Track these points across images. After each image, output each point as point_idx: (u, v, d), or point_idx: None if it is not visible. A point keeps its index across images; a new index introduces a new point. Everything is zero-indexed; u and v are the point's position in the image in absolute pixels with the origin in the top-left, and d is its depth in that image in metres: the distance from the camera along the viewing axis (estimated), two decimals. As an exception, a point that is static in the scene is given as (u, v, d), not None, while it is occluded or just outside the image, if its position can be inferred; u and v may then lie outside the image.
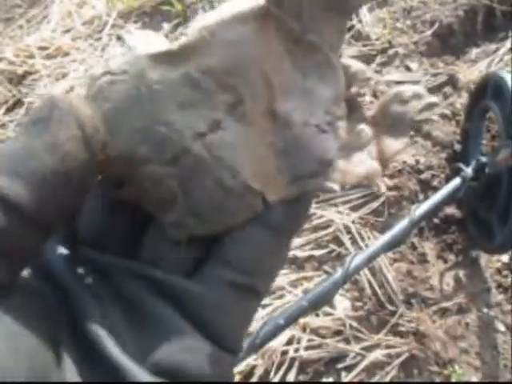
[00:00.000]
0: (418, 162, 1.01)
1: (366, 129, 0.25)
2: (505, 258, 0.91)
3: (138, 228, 0.23)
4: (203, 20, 0.22)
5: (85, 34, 1.44)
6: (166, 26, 1.36)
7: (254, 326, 0.68)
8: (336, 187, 0.23)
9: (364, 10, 1.32)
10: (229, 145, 0.22)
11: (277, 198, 0.22)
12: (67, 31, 1.47)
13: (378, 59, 1.22)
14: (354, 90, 0.25)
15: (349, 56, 1.24)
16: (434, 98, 0.26)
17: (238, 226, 0.22)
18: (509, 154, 0.81)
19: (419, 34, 1.28)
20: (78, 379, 0.18)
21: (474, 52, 1.29)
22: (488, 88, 0.93)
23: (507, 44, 1.28)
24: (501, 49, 1.27)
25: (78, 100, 0.20)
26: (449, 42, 1.30)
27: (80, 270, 0.21)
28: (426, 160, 1.01)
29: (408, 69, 1.21)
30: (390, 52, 1.23)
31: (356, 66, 0.25)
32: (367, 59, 1.21)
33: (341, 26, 0.24)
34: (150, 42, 0.23)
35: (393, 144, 0.25)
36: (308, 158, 0.23)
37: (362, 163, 0.24)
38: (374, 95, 1.12)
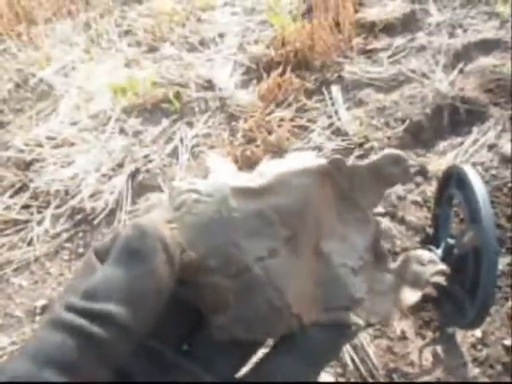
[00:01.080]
0: (394, 244, 1.10)
1: (389, 278, 0.29)
2: (478, 332, 0.97)
3: (187, 326, 0.26)
4: (275, 166, 0.27)
5: (90, 126, 1.57)
6: (165, 121, 1.51)
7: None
8: (361, 322, 0.27)
9: (342, 109, 1.49)
10: (281, 270, 0.25)
11: (310, 322, 0.26)
12: (74, 123, 1.61)
13: (356, 152, 1.35)
14: (381, 243, 0.30)
15: (331, 150, 1.38)
16: (444, 266, 0.30)
17: (274, 337, 0.26)
18: (472, 236, 0.90)
19: (392, 130, 1.43)
20: None
21: (442, 145, 1.44)
22: (452, 179, 1.05)
23: (471, 137, 1.43)
24: (465, 142, 1.42)
25: (160, 223, 0.24)
26: (419, 136, 1.45)
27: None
28: (401, 243, 1.10)
29: (383, 160, 1.34)
30: (367, 146, 1.37)
31: (384, 224, 0.33)
32: (346, 152, 1.35)
33: (379, 193, 0.30)
34: (225, 167, 0.28)
35: (409, 295, 0.29)
36: (342, 294, 0.27)
37: (384, 307, 0.28)
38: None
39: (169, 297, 0.23)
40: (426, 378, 0.91)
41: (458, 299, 0.96)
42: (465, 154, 1.38)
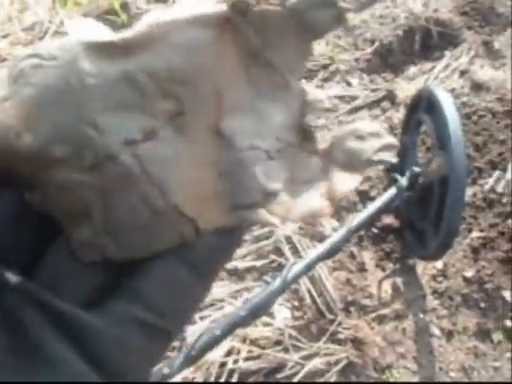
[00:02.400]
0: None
1: (316, 162, 0.23)
2: (439, 264, 0.94)
3: (45, 242, 0.20)
4: (156, 16, 0.20)
5: (25, 39, 1.39)
6: (110, 35, 1.35)
7: (191, 338, 0.66)
8: (276, 221, 0.21)
9: (308, 27, 1.36)
10: (163, 159, 0.19)
11: (211, 227, 0.20)
12: (5, 36, 1.42)
13: (320, 75, 1.25)
14: (308, 118, 0.23)
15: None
16: (392, 139, 0.24)
17: (162, 253, 0.19)
18: (440, 164, 0.84)
19: (360, 52, 1.33)
20: None
21: (412, 70, 1.35)
22: (421, 102, 0.97)
23: (442, 62, 1.35)
24: (436, 67, 1.34)
25: None
26: (388, 59, 1.36)
27: None
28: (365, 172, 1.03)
29: (348, 84, 1.25)
30: (332, 68, 1.27)
31: (314, 93, 0.23)
32: (310, 74, 1.24)
33: (306, 49, 0.22)
34: (91, 30, 0.21)
35: (344, 181, 0.23)
36: (251, 185, 0.21)
37: (309, 199, 0.22)
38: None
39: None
40: (385, 311, 0.87)
41: (421, 230, 0.92)
42: (435, 80, 1.30)
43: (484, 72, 1.27)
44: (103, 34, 0.19)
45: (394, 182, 0.94)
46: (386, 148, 0.23)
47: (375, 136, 0.24)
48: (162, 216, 0.19)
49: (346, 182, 0.23)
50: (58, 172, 0.18)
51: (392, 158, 0.23)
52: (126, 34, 0.19)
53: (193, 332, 0.74)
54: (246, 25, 0.21)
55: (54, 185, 0.18)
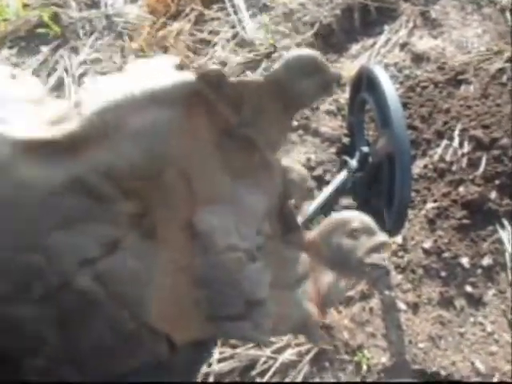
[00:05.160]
0: (309, 159, 1.03)
1: (302, 258, 0.19)
2: (399, 239, 0.96)
3: None
4: (102, 92, 0.15)
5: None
6: (45, 49, 1.30)
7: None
8: (266, 338, 0.17)
9: (246, 17, 1.34)
10: (131, 274, 0.16)
11: (187, 339, 0.16)
12: None
13: (264, 64, 1.24)
14: (291, 201, 0.19)
15: (236, 63, 1.26)
16: (386, 237, 0.20)
17: (129, 372, 0.17)
18: (384, 143, 0.85)
19: (301, 36, 1.32)
20: None
21: (354, 48, 1.35)
22: (362, 82, 0.97)
23: (383, 37, 1.35)
24: (378, 42, 1.34)
25: None
26: (330, 40, 1.36)
27: None
28: (316, 156, 1.03)
29: (293, 70, 1.24)
30: (275, 56, 1.26)
31: (297, 170, 0.20)
32: (253, 65, 1.23)
33: (286, 123, 0.18)
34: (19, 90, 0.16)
35: (333, 284, 0.19)
36: (232, 294, 0.17)
37: (297, 306, 0.18)
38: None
39: None
40: (351, 293, 0.88)
41: (377, 208, 0.93)
42: (377, 55, 1.31)
43: (423, 42, 1.28)
44: (38, 126, 0.14)
45: (345, 164, 0.95)
46: (378, 248, 0.20)
47: (367, 233, 0.20)
48: (132, 337, 0.16)
49: (336, 286, 0.19)
50: (3, 308, 0.14)
51: (384, 261, 0.20)
52: (71, 125, 0.14)
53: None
54: (220, 98, 0.17)
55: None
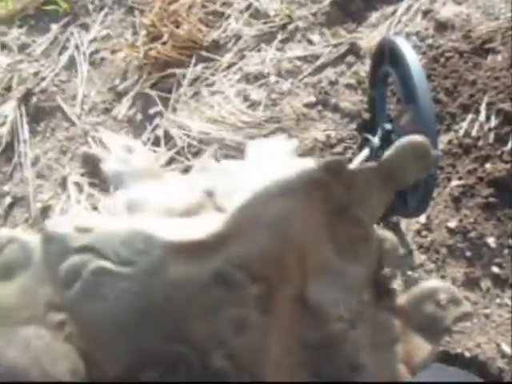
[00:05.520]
0: (328, 136, 1.00)
1: (395, 324, 0.21)
2: (422, 218, 0.93)
3: None
4: (234, 182, 0.17)
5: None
6: (54, 26, 1.27)
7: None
8: None
9: (260, -14, 1.29)
10: (253, 350, 0.18)
11: None
12: None
13: (279, 36, 1.19)
14: (385, 270, 0.21)
15: (251, 36, 1.21)
16: (470, 308, 0.23)
17: None
18: (409, 119, 0.81)
19: (317, 5, 1.27)
20: None
21: (374, 16, 1.30)
22: (385, 54, 0.93)
23: (404, 4, 1.29)
24: (398, 10, 1.28)
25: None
26: (348, 9, 1.30)
27: None
28: (336, 133, 1.00)
29: (310, 42, 1.19)
30: (291, 27, 1.21)
31: (389, 239, 0.22)
32: (268, 38, 1.19)
33: (386, 199, 0.21)
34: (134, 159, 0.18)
35: (423, 347, 0.21)
36: (338, 361, 0.19)
37: (389, 365, 0.20)
38: (279, 73, 1.11)
39: None
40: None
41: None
42: (398, 24, 1.25)
43: (447, 9, 1.22)
44: (194, 226, 0.16)
45: (366, 141, 0.91)
46: (464, 318, 0.23)
47: (454, 303, 0.23)
48: None
49: (424, 349, 0.22)
50: None
51: (468, 322, 0.22)
52: (217, 226, 0.16)
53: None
54: (336, 183, 0.19)
55: None
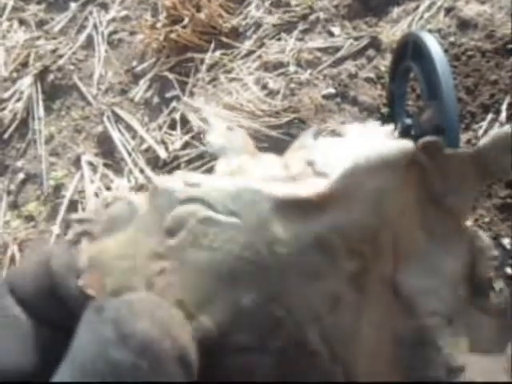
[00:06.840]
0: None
1: (491, 324, 0.20)
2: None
3: None
4: (336, 153, 0.17)
5: (-17, 18, 1.30)
6: (73, 4, 1.26)
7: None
8: None
9: (282, -25, 1.27)
10: (345, 333, 0.17)
11: None
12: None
13: (300, 26, 1.18)
14: (478, 270, 0.20)
15: (271, 25, 1.20)
16: None
17: None
18: (431, 115, 0.81)
19: (339, -3, 1.25)
20: None
21: (396, 11, 1.28)
22: (407, 48, 0.92)
23: (426, 1, 1.28)
24: (421, 6, 1.27)
25: (176, 321, 0.14)
26: (369, 3, 1.29)
27: None
28: (354, 127, 1.00)
29: (330, 34, 1.19)
30: (312, 18, 1.20)
31: (483, 238, 0.21)
32: (289, 27, 1.18)
33: (473, 191, 0.21)
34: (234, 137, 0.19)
35: None
36: (434, 359, 0.18)
37: (494, 376, 0.19)
38: (298, 63, 1.10)
39: None
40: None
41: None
42: (420, 21, 1.24)
43: (470, 8, 1.21)
44: (297, 187, 0.16)
45: (385, 136, 0.91)
46: None
47: None
48: None
49: None
50: (238, 357, 0.15)
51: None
52: (320, 186, 0.16)
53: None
54: (433, 168, 0.19)
55: (235, 368, 0.16)
